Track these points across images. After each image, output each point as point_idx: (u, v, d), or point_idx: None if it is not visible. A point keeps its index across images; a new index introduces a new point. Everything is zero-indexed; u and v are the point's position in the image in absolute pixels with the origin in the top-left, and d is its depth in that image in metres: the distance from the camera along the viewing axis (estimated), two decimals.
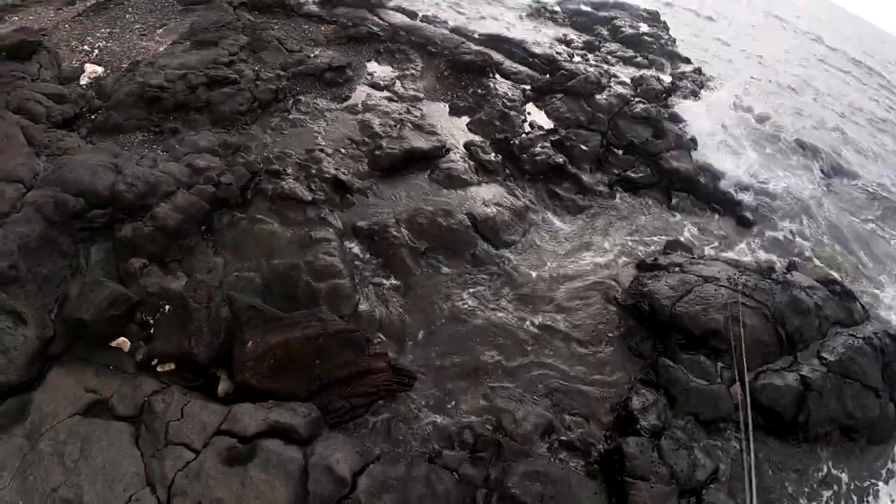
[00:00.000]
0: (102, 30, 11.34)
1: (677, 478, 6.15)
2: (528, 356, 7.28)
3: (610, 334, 8.00)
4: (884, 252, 12.66)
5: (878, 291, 11.10)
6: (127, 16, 12.01)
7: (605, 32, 17.90)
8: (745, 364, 5.38)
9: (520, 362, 7.18)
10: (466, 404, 6.57)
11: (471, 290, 7.89)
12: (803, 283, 9.55)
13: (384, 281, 7.69)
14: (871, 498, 7.56)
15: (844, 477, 7.64)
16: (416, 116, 10.70)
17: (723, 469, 6.68)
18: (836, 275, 10.59)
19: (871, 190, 15.29)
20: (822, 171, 14.95)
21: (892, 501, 7.66)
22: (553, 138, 10.79)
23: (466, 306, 7.63)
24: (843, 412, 8.04)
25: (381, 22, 13.70)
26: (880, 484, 7.70)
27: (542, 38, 15.72)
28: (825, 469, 7.59)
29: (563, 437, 6.48)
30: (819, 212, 12.69)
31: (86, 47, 10.69)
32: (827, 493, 7.27)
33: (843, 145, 17.88)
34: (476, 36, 14.37)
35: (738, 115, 15.54)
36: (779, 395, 7.69)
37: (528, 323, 7.72)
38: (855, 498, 7.39)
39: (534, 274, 8.47)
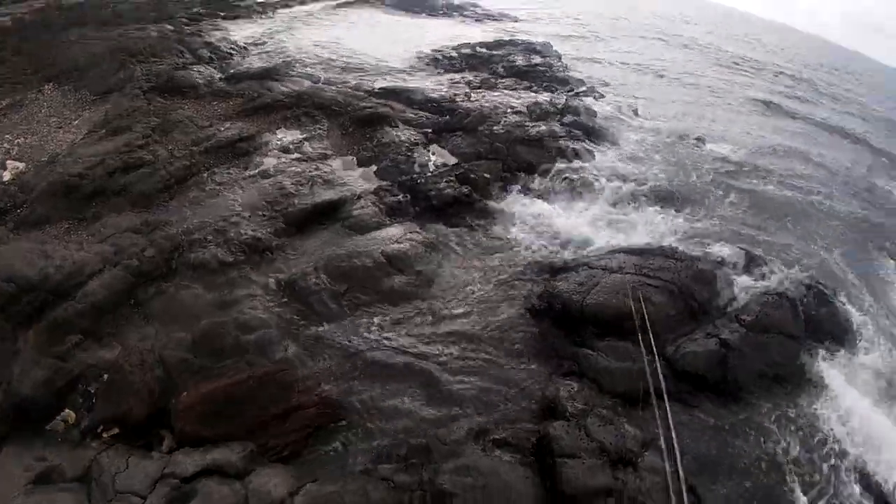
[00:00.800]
0: (21, 126, 11.76)
1: (607, 450, 6.62)
2: (454, 372, 7.61)
3: (530, 338, 8.41)
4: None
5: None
6: (43, 111, 12.44)
7: (500, 69, 18.83)
8: (651, 337, 5.95)
9: (446, 378, 7.50)
10: (397, 424, 6.88)
11: (391, 319, 8.28)
12: (707, 256, 10.64)
13: (309, 325, 8.03)
14: (813, 437, 8.16)
15: (783, 421, 8.27)
16: (325, 172, 11.30)
17: (662, 435, 7.01)
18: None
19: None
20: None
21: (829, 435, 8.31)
22: (457, 172, 11.49)
23: (389, 336, 7.99)
24: (769, 364, 8.84)
25: (285, 90, 14.39)
26: (816, 422, 8.36)
27: (440, 83, 16.63)
28: (765, 418, 8.22)
29: (495, 437, 6.82)
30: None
31: (5, 145, 11.06)
32: (768, 440, 7.85)
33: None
34: (377, 90, 15.12)
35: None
36: (699, 360, 8.42)
37: (449, 341, 8.07)
38: (799, 437, 8.02)
39: (450, 296, 8.90)
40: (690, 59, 34.50)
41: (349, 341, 7.89)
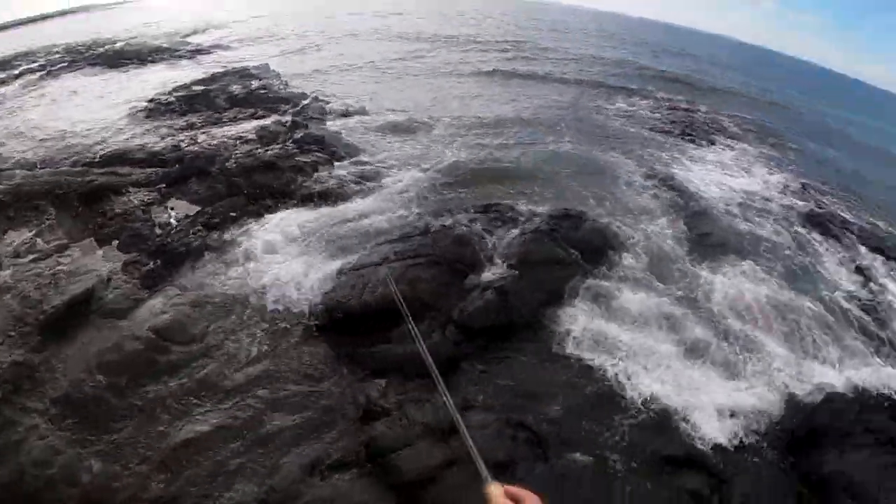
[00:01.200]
0: None
1: (432, 427, 6.90)
2: (266, 418, 7.39)
3: (325, 355, 8.47)
4: None
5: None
6: None
7: (221, 102, 18.56)
8: (409, 315, 6.25)
9: (261, 427, 7.28)
10: (234, 494, 6.60)
11: (185, 391, 7.76)
12: (462, 220, 11.36)
13: (103, 433, 7.27)
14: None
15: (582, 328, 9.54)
16: (66, 265, 10.26)
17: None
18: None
19: None
20: None
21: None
22: (201, 221, 11.19)
23: (189, 409, 7.50)
24: (547, 291, 9.95)
25: None
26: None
27: (162, 132, 15.95)
28: (571, 332, 9.42)
29: (328, 462, 6.80)
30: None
31: None
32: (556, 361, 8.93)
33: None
34: (98, 159, 14.10)
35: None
36: (483, 314, 9.07)
37: (250, 390, 7.80)
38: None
39: (233, 345, 8.54)
40: (415, 48, 36.41)
41: (151, 432, 7.29)
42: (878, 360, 10.93)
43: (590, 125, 23.07)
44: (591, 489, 6.83)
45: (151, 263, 10.14)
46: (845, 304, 12.60)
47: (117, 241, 10.94)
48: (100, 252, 10.82)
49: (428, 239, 10.58)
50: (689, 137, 23.64)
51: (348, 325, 8.85)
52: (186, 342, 8.52)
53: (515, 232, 11.51)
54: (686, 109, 29.98)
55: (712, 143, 24.06)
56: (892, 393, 9.47)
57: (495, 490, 1.82)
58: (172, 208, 11.82)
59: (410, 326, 6.84)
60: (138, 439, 7.19)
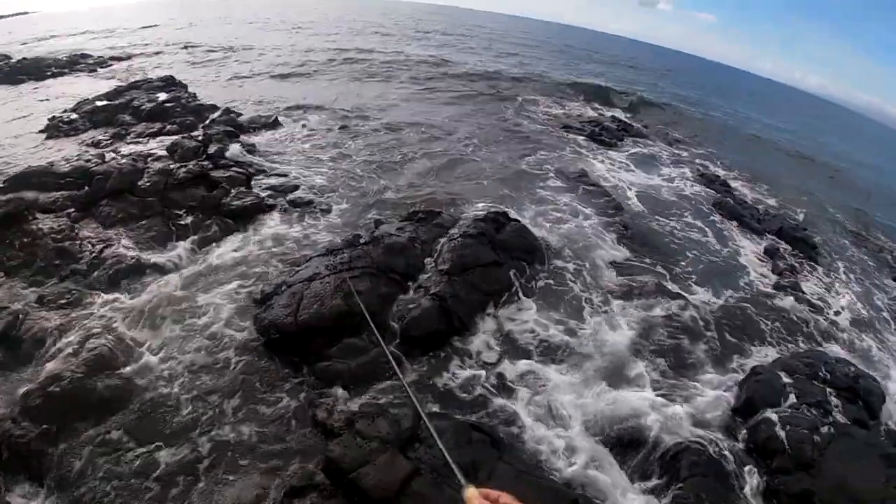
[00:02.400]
0: None
1: (390, 441, 6.75)
2: (208, 454, 6.88)
3: (267, 381, 8.06)
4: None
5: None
6: None
7: (128, 118, 17.72)
8: (369, 318, 6.02)
9: (204, 462, 6.80)
10: None
11: (125, 430, 7.07)
12: (391, 231, 11.23)
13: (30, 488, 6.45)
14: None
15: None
16: None
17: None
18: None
19: None
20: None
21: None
22: (117, 244, 10.61)
23: (132, 449, 6.82)
24: (485, 293, 10.15)
25: None
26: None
27: (68, 152, 15.03)
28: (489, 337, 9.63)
29: (286, 490, 6.42)
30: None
31: None
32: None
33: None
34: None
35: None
36: (425, 321, 9.13)
37: (188, 424, 7.26)
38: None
39: (167, 375, 7.98)
40: (321, 58, 36.10)
41: (91, 477, 6.54)
42: (793, 340, 11.86)
43: (501, 129, 23.65)
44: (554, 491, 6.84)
45: (68, 294, 9.47)
46: (763, 292, 13.68)
47: (28, 273, 10.22)
48: (10, 286, 10.08)
49: (358, 250, 10.46)
50: (600, 138, 24.51)
51: (286, 346, 8.59)
52: (117, 375, 7.85)
53: (444, 238, 11.60)
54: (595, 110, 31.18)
55: (621, 140, 25.21)
56: (812, 364, 10.16)
57: (472, 493, 1.83)
58: (84, 234, 11.11)
59: (373, 329, 6.96)
60: (78, 487, 6.50)
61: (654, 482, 7.52)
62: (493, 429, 7.68)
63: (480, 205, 14.13)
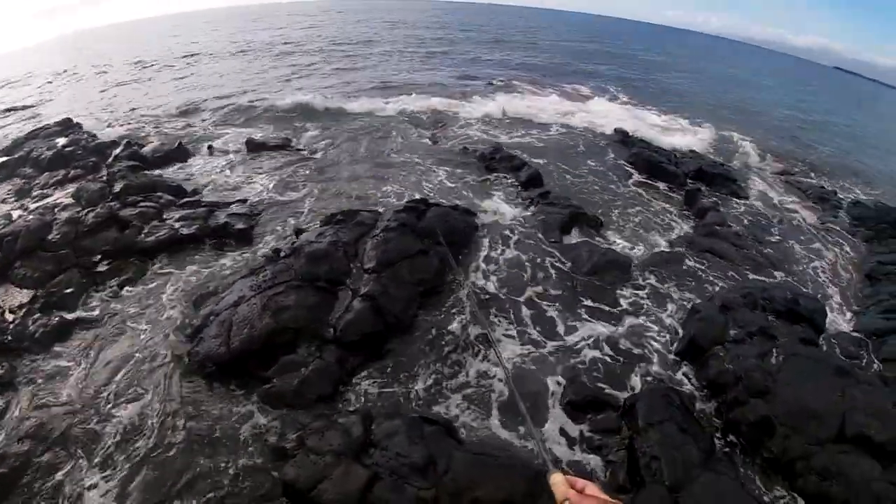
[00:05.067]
0: None
1: (343, 452, 6.78)
2: (167, 496, 6.75)
3: (213, 413, 7.95)
4: None
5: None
6: None
7: (29, 170, 16.98)
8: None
9: None
10: None
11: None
12: (311, 238, 11.22)
13: None
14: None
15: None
16: None
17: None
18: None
19: None
20: None
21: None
22: (38, 305, 10.25)
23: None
24: (418, 280, 10.34)
25: None
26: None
27: None
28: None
29: None
30: None
31: None
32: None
33: None
34: None
35: None
36: (359, 324, 9.16)
37: (137, 472, 7.06)
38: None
39: (110, 428, 7.74)
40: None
41: None
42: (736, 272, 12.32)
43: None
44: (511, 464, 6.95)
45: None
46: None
47: None
48: None
49: (280, 265, 10.38)
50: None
51: (224, 376, 8.52)
52: (62, 441, 7.63)
53: (367, 235, 11.57)
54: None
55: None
56: (749, 294, 10.55)
57: (558, 478, 1.81)
58: (3, 301, 10.73)
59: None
60: None
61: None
62: (446, 420, 7.82)
63: (394, 196, 14.65)
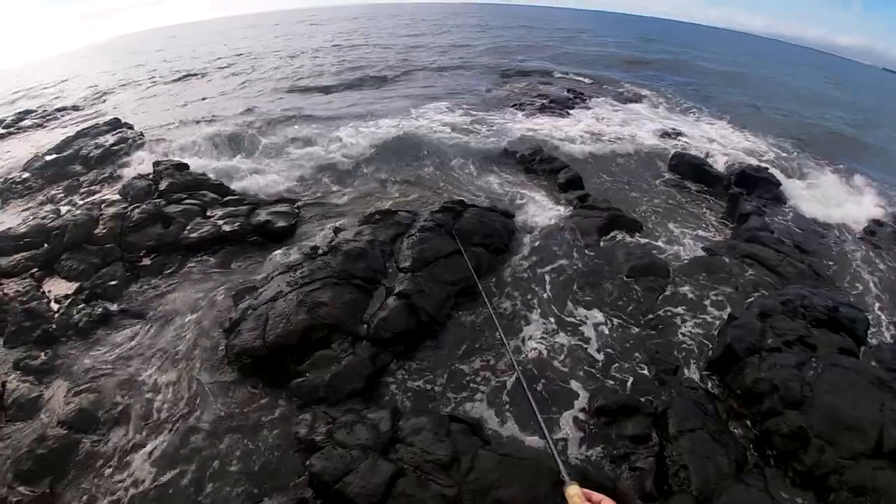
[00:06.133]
0: None
1: (369, 446, 6.90)
2: (197, 485, 6.97)
3: (245, 404, 8.15)
4: None
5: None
6: None
7: (78, 168, 17.65)
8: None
9: (194, 494, 6.86)
10: None
11: (112, 480, 7.05)
12: (349, 237, 11.40)
13: None
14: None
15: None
16: None
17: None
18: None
19: None
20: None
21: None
22: (82, 297, 10.65)
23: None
24: (453, 280, 10.42)
25: None
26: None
27: (23, 213, 14.93)
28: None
29: None
30: None
31: None
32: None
33: None
34: None
35: None
36: (393, 322, 9.26)
37: (173, 458, 7.28)
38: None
39: (143, 416, 7.97)
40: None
41: None
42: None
43: None
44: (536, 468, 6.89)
45: (43, 354, 9.49)
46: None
47: (1, 340, 10.28)
48: None
49: (317, 262, 10.53)
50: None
51: (259, 369, 8.68)
52: (101, 425, 7.96)
53: (404, 235, 11.73)
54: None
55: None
56: (788, 302, 10.29)
57: (574, 491, 1.83)
58: (50, 291, 11.18)
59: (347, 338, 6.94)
60: None
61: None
62: (474, 419, 7.88)
63: (430, 200, 14.84)
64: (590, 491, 1.83)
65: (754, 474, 7.28)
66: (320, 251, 11.18)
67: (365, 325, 9.31)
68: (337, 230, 12.49)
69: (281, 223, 13.12)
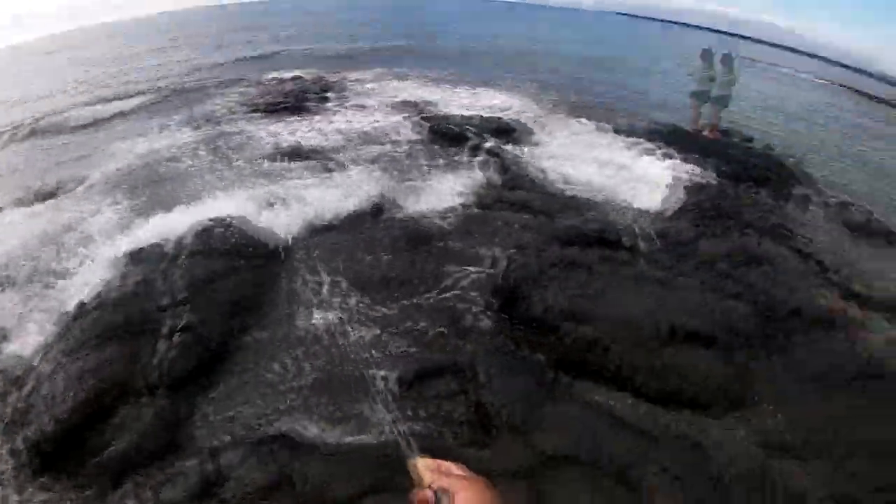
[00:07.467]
0: None
1: (197, 494, 6.50)
2: None
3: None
4: None
5: None
6: None
7: None
8: None
9: None
10: None
11: None
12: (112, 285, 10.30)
13: None
14: None
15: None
16: None
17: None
18: None
19: None
20: None
21: None
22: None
23: None
24: (234, 299, 10.01)
25: None
26: None
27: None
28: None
29: None
30: None
31: None
32: None
33: None
34: None
35: None
36: (183, 359, 8.71)
37: None
38: None
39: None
40: None
41: None
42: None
43: None
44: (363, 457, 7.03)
45: None
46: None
47: None
48: None
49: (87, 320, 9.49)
50: None
51: (60, 456, 7.52)
52: None
53: (173, 264, 10.83)
54: None
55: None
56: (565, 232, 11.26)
57: (418, 462, 1.73)
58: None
59: None
60: None
61: None
62: (294, 430, 7.79)
63: (186, 213, 13.06)
64: (435, 460, 1.76)
65: (568, 393, 7.97)
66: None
67: (156, 372, 8.56)
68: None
69: None
